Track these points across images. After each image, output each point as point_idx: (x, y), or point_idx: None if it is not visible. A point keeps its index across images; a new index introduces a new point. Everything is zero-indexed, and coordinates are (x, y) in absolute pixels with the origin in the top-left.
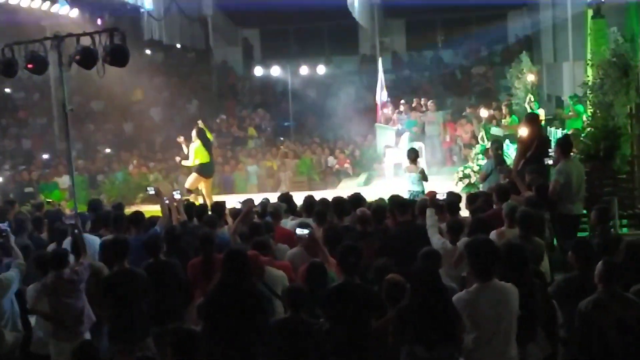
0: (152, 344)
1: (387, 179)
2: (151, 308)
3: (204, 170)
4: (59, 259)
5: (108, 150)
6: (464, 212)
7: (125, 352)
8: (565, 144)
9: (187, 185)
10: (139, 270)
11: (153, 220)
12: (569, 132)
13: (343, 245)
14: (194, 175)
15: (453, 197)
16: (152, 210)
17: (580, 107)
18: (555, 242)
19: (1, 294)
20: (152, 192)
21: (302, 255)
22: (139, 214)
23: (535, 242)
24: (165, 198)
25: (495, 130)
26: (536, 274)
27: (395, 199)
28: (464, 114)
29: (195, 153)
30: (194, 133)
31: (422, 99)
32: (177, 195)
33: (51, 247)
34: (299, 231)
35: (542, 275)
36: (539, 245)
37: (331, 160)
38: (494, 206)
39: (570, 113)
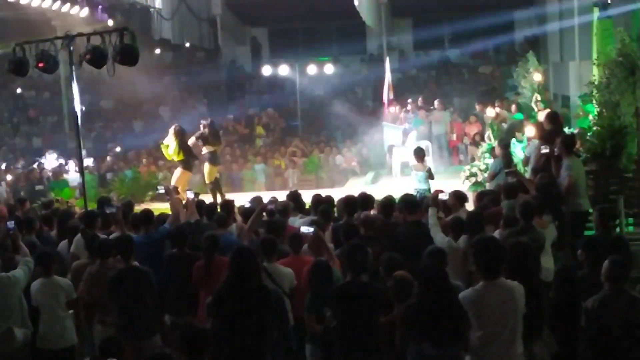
0: (159, 341)
1: (394, 177)
2: (169, 298)
3: (186, 164)
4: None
5: (118, 149)
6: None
7: (132, 349)
8: (569, 141)
9: (173, 182)
10: (145, 267)
11: (162, 217)
12: (574, 131)
13: (350, 244)
14: (178, 170)
15: (457, 195)
16: (161, 208)
17: (590, 107)
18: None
19: (10, 291)
20: (162, 190)
21: (308, 253)
22: (148, 213)
23: (537, 234)
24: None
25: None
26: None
27: (404, 198)
28: (473, 112)
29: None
30: (171, 132)
31: (427, 98)
32: (190, 195)
33: (62, 244)
34: (303, 229)
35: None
36: (540, 237)
37: (339, 158)
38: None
39: (580, 112)
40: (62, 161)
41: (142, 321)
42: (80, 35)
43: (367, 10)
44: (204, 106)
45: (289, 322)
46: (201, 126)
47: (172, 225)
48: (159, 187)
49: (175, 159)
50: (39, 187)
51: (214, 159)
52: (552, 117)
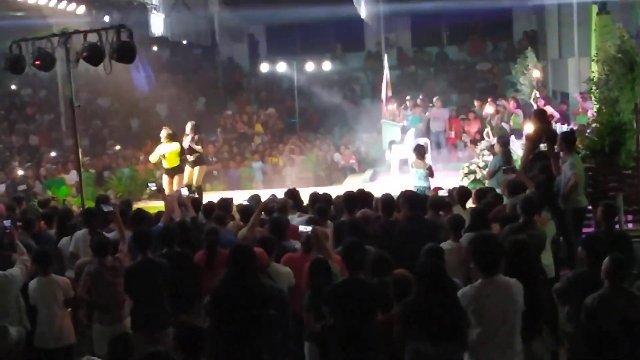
0: (172, 334)
1: (393, 174)
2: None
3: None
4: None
5: (118, 147)
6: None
7: (147, 340)
8: (569, 138)
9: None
10: (162, 260)
11: (160, 216)
12: (574, 128)
13: (348, 242)
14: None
15: (461, 192)
16: (159, 206)
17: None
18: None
19: (7, 290)
20: (154, 187)
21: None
22: (141, 212)
23: (538, 230)
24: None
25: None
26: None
27: (406, 195)
28: (472, 109)
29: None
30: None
31: (426, 95)
32: (184, 192)
33: (63, 241)
34: (302, 228)
35: (543, 270)
36: (541, 233)
37: (337, 156)
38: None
39: (580, 109)
40: None
41: (158, 312)
42: (77, 33)
43: (365, 7)
44: (201, 104)
45: (289, 321)
46: (192, 129)
47: (166, 223)
48: (150, 185)
49: (167, 165)
50: (21, 187)
51: (205, 160)
52: (539, 115)
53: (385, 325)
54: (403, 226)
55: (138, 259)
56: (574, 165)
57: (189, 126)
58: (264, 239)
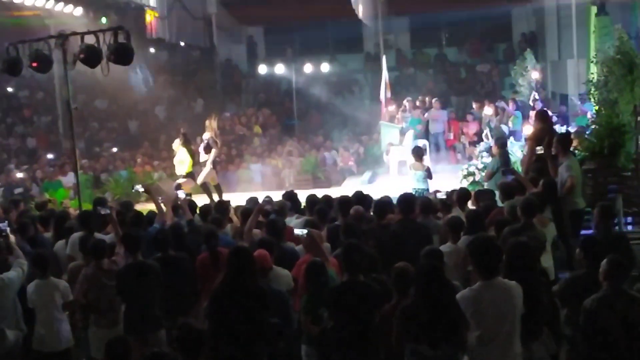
0: (164, 336)
1: (392, 176)
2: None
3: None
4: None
5: (115, 150)
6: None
7: (139, 343)
8: (565, 140)
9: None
10: (152, 262)
11: (150, 215)
12: (572, 130)
13: (346, 244)
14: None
15: (460, 194)
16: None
17: (589, 106)
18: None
19: (4, 293)
20: (141, 189)
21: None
22: (139, 214)
23: (537, 232)
24: (161, 197)
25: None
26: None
27: (402, 198)
28: (471, 111)
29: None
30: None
31: (425, 97)
32: (181, 195)
33: (59, 244)
34: (297, 232)
35: (545, 273)
36: (540, 236)
37: (336, 158)
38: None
39: (578, 111)
40: None
41: (149, 315)
42: (74, 35)
43: (364, 9)
44: (200, 106)
45: (292, 325)
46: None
47: (160, 224)
48: (136, 187)
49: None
50: (18, 190)
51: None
52: (542, 116)
53: (384, 327)
54: (394, 229)
55: (128, 262)
56: (570, 167)
57: (209, 122)
58: (265, 240)
